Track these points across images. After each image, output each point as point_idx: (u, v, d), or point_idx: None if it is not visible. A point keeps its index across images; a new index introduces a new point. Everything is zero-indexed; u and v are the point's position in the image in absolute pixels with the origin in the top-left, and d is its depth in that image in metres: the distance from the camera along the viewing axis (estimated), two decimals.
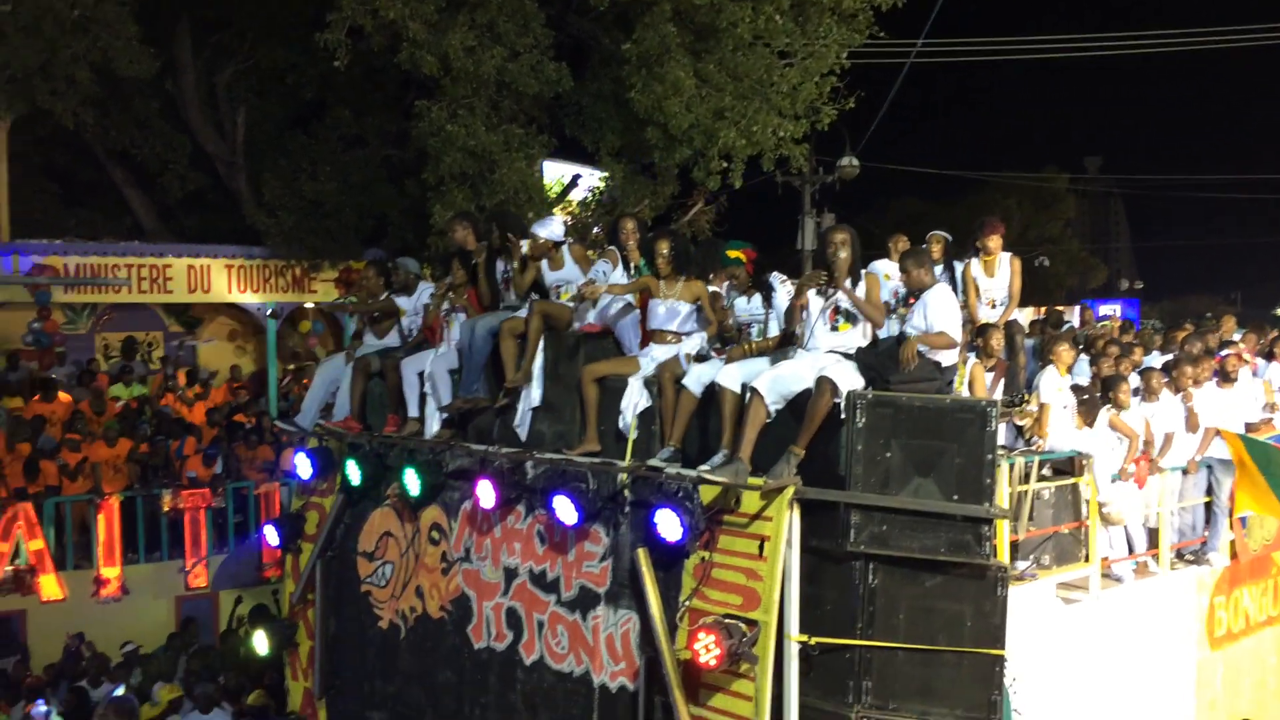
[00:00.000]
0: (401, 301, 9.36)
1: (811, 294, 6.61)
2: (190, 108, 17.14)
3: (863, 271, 6.72)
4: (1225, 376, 9.95)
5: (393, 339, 9.36)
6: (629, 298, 7.70)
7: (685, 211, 17.35)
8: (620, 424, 7.22)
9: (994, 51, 24.14)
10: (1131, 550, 8.94)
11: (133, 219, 18.35)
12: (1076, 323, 14.72)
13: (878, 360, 6.45)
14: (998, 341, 8.49)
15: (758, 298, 7.41)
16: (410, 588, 8.62)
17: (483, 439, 8.18)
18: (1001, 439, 7.36)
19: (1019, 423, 8.45)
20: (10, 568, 11.93)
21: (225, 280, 16.17)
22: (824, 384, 6.17)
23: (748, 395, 6.44)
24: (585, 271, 8.12)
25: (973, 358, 8.27)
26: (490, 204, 13.52)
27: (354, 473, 8.76)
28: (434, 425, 8.45)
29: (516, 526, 7.78)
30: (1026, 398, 8.43)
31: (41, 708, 9.86)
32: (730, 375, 6.61)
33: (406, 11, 13.25)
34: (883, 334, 6.87)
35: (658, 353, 7.25)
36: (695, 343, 7.31)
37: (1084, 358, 10.06)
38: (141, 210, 18.17)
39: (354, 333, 9.97)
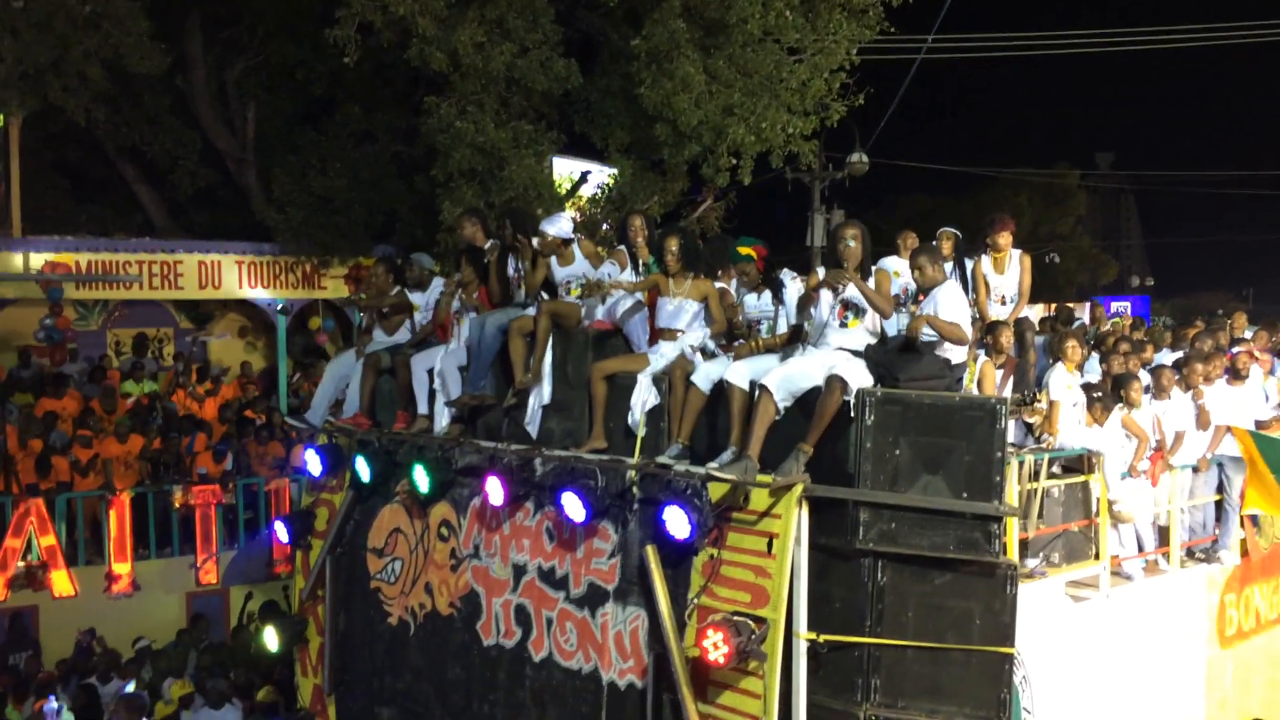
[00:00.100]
0: (415, 297, 9.35)
1: (823, 291, 6.59)
2: (200, 104, 17.15)
3: (872, 268, 6.71)
4: (1236, 374, 9.91)
5: (403, 335, 9.36)
6: (638, 295, 7.70)
7: (694, 208, 17.33)
8: (629, 421, 7.22)
9: (1003, 48, 24.05)
10: (1141, 548, 8.92)
11: (143, 215, 18.37)
12: (1087, 320, 14.64)
13: (887, 358, 6.44)
14: (1007, 338, 8.45)
15: (767, 294, 7.37)
16: (419, 584, 8.63)
17: (492, 436, 8.19)
18: (1011, 436, 7.33)
19: (1029, 420, 8.44)
20: (22, 563, 11.98)
21: (236, 276, 16.19)
22: (834, 382, 6.16)
23: (756, 392, 6.43)
24: (595, 267, 8.12)
25: (982, 355, 8.23)
26: (499, 200, 13.52)
27: (363, 469, 8.77)
28: (443, 422, 8.46)
29: (525, 523, 7.78)
30: (1036, 395, 8.42)
31: (53, 704, 9.89)
32: (739, 372, 6.60)
33: (416, 7, 13.27)
34: (891, 330, 6.86)
35: (666, 350, 7.24)
36: (698, 335, 7.31)
37: (1094, 355, 10.03)
38: (152, 207, 18.20)
39: (363, 328, 9.97)
